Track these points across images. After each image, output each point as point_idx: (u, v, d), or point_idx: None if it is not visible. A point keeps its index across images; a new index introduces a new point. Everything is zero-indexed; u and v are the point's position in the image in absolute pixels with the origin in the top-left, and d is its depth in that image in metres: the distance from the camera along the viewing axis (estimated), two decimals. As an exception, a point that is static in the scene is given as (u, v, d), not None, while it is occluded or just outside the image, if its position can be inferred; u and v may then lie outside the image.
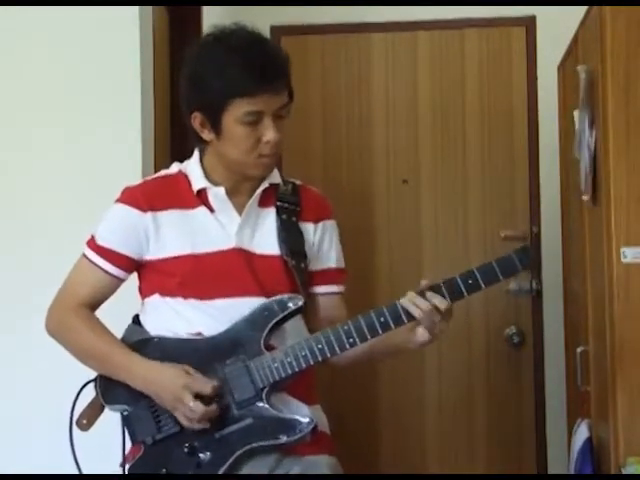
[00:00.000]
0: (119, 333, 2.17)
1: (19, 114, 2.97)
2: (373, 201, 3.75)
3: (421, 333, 2.03)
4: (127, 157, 2.89)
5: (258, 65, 2.02)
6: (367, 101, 3.77)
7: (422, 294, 2.00)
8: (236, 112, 2.03)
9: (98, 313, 2.19)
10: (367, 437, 3.71)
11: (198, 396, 1.99)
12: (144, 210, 2.12)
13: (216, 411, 2.01)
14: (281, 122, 2.08)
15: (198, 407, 1.98)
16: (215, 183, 2.14)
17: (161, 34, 3.36)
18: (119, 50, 2.93)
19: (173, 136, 3.46)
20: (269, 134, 2.05)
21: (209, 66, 2.05)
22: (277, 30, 3.64)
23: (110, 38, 2.93)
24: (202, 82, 2.06)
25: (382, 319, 2.01)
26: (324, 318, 2.20)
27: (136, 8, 2.93)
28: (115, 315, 2.18)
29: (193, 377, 2.02)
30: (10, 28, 2.96)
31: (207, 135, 2.11)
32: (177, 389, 2.00)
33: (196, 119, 2.10)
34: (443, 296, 1.99)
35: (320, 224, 2.23)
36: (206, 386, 2.00)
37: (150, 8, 3.07)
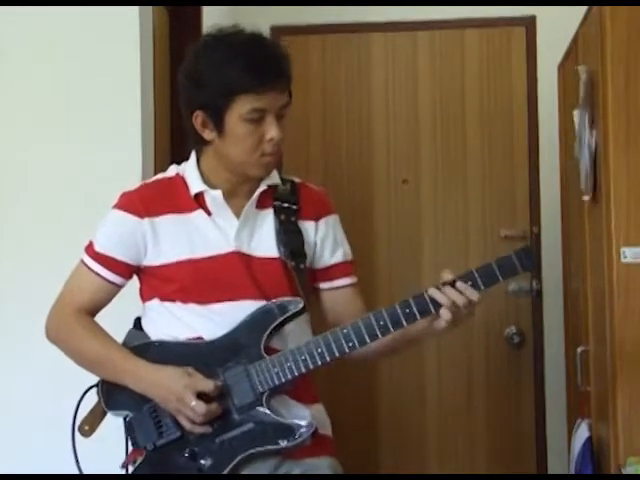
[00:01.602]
0: (120, 337, 2.17)
1: (18, 114, 2.97)
2: (373, 201, 3.75)
3: (446, 320, 1.98)
4: (127, 157, 2.89)
5: (263, 62, 2.02)
6: (367, 101, 3.77)
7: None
8: (240, 109, 2.02)
9: (99, 316, 2.18)
10: (367, 437, 3.72)
11: (200, 397, 1.99)
12: (142, 216, 2.11)
13: (218, 410, 2.01)
14: (282, 122, 2.08)
15: (200, 407, 1.98)
16: (213, 186, 2.13)
17: (161, 34, 3.36)
18: (119, 50, 2.93)
19: (173, 136, 3.45)
20: (272, 131, 2.04)
21: (212, 64, 2.03)
22: (277, 30, 3.63)
23: (110, 38, 2.93)
24: (204, 80, 2.04)
25: (382, 322, 1.99)
26: (343, 311, 2.18)
27: (136, 8, 2.93)
28: (116, 319, 2.18)
29: (194, 377, 2.01)
30: (10, 28, 2.96)
31: (208, 135, 2.09)
32: (179, 389, 1.99)
33: (197, 118, 2.08)
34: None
35: (322, 221, 2.21)
36: (208, 384, 2.00)
37: (150, 8, 3.07)
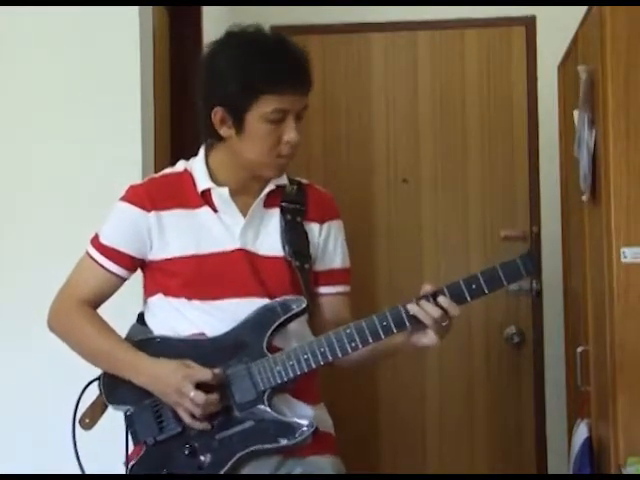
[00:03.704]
0: (123, 332, 2.17)
1: (19, 114, 2.97)
2: (373, 201, 3.75)
3: (428, 336, 1.99)
4: (127, 157, 2.89)
5: (290, 64, 2.04)
6: (367, 101, 3.77)
7: (427, 298, 1.97)
8: (263, 108, 2.02)
9: (102, 311, 2.18)
10: (367, 437, 3.72)
11: (200, 387, 1.99)
12: (148, 209, 2.12)
13: (217, 400, 2.00)
14: (300, 123, 2.08)
15: (199, 397, 1.98)
16: (220, 183, 2.13)
17: (161, 34, 3.36)
18: (119, 50, 2.92)
19: (173, 135, 3.45)
20: (291, 133, 2.05)
21: (234, 60, 2.03)
22: (277, 30, 3.62)
23: (110, 38, 2.93)
24: (226, 76, 2.04)
25: (385, 323, 1.99)
26: (328, 318, 2.19)
27: (136, 8, 2.93)
28: (119, 313, 2.18)
29: (192, 368, 2.01)
30: (9, 28, 2.96)
31: (226, 132, 2.08)
32: (178, 381, 1.99)
33: (217, 114, 2.07)
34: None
35: (325, 224, 2.22)
36: (206, 374, 2.00)
37: (150, 8, 3.06)
